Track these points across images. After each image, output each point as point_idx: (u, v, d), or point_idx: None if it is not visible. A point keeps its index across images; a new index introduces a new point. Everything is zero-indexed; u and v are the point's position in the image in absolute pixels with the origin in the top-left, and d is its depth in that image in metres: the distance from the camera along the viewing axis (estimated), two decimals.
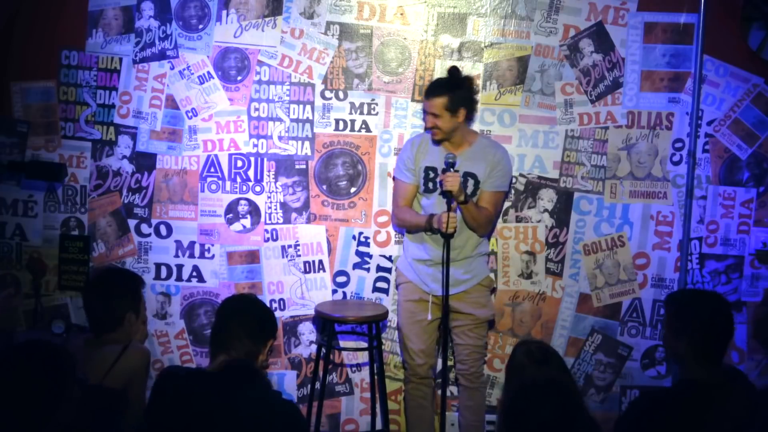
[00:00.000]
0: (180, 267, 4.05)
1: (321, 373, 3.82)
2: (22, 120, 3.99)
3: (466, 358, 3.73)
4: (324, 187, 4.05)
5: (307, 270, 4.06)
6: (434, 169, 3.68)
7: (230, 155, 4.03)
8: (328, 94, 4.02)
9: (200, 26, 3.98)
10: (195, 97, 4.01)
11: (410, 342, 3.76)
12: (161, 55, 4.00)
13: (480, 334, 3.74)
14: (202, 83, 4.00)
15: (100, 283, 3.12)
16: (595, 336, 4.08)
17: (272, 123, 4.02)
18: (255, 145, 4.03)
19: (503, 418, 2.05)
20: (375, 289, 4.07)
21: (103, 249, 4.04)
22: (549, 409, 1.97)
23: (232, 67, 4.00)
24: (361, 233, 4.05)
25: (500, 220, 4.03)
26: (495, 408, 3.89)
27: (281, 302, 4.06)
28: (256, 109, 4.02)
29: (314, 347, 4.03)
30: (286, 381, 4.07)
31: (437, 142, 3.68)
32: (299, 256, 4.05)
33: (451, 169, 3.45)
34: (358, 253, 4.06)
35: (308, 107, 4.02)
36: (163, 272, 4.05)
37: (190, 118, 4.01)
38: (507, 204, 4.03)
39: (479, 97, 3.96)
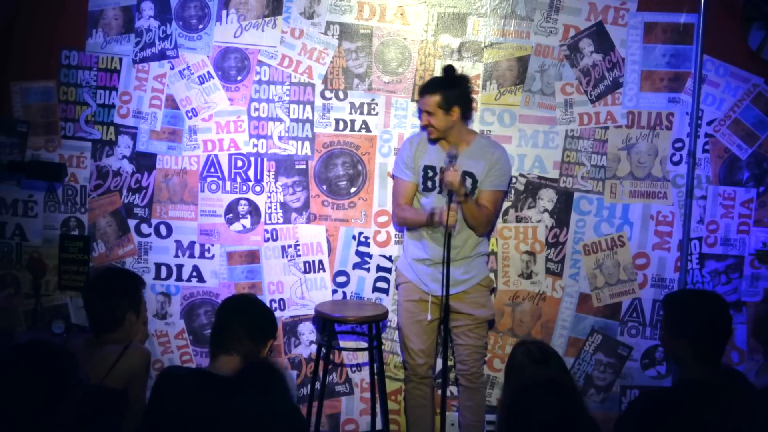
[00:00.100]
0: (180, 267, 4.05)
1: (321, 373, 3.82)
2: (22, 120, 3.99)
3: (466, 358, 3.73)
4: (324, 187, 4.05)
5: (307, 270, 4.06)
6: (433, 168, 3.69)
7: (230, 155, 4.03)
8: (328, 94, 4.02)
9: (200, 26, 3.99)
10: (195, 97, 4.01)
11: (410, 342, 3.76)
12: (161, 55, 4.00)
13: (480, 335, 3.74)
14: (202, 83, 4.00)
15: (101, 283, 3.12)
16: (595, 336, 4.08)
17: (272, 123, 4.02)
18: (255, 145, 4.03)
19: (503, 418, 2.05)
20: (375, 289, 4.07)
21: (103, 249, 4.04)
22: (549, 409, 1.98)
23: (232, 67, 4.01)
24: (361, 233, 4.06)
25: (500, 220, 4.03)
26: (495, 408, 3.89)
27: (281, 302, 4.06)
28: (256, 109, 4.02)
29: (314, 347, 4.03)
30: None
31: (434, 141, 3.69)
32: (299, 256, 4.05)
33: (454, 161, 3.45)
34: (358, 253, 4.06)
35: (308, 107, 4.02)
36: (163, 272, 4.05)
37: (190, 118, 4.02)
38: (507, 204, 4.03)
39: (479, 97, 3.97)
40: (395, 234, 4.04)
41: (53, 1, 3.98)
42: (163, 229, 4.05)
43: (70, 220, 4.03)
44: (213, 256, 4.05)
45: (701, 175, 4.04)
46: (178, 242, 4.05)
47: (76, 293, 3.95)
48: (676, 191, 4.03)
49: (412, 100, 3.99)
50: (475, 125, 3.98)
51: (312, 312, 3.96)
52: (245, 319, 2.77)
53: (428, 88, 3.65)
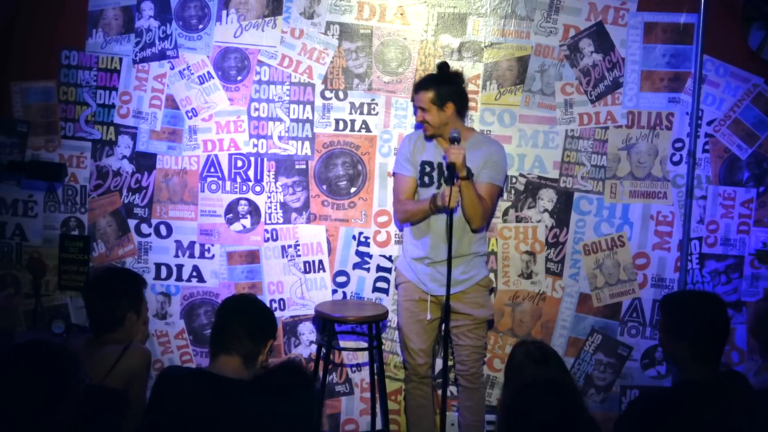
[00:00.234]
0: (180, 267, 4.05)
1: (321, 373, 3.81)
2: (22, 120, 3.99)
3: (465, 359, 3.73)
4: (324, 187, 4.05)
5: (307, 270, 4.06)
6: (430, 164, 3.70)
7: (230, 155, 4.03)
8: (328, 94, 4.02)
9: (200, 26, 3.99)
10: (195, 97, 4.01)
11: (410, 341, 3.76)
12: (161, 55, 4.00)
13: (479, 335, 3.74)
14: (202, 83, 4.00)
15: (102, 283, 3.13)
16: (595, 336, 4.08)
17: (272, 123, 4.02)
18: (255, 145, 4.03)
19: (503, 418, 2.06)
20: (375, 289, 4.07)
21: (103, 249, 4.04)
22: (549, 409, 1.98)
23: (232, 67, 4.01)
24: (361, 233, 4.06)
25: (500, 220, 4.03)
26: (495, 408, 3.89)
27: (281, 302, 4.06)
28: (256, 109, 4.02)
29: (314, 347, 4.03)
30: None
31: (430, 138, 3.70)
32: (299, 256, 4.05)
33: (456, 142, 3.46)
34: (358, 253, 4.06)
35: (308, 107, 4.02)
36: (163, 272, 4.05)
37: (190, 118, 4.02)
38: (507, 204, 4.03)
39: (479, 97, 3.97)
40: (395, 234, 4.04)
41: (53, 1, 3.98)
42: (163, 229, 4.05)
43: (70, 220, 4.03)
44: (213, 256, 4.05)
45: (701, 175, 4.04)
46: (178, 242, 4.05)
47: (76, 293, 3.95)
48: (676, 191, 4.03)
49: (412, 100, 3.98)
50: (475, 125, 3.98)
51: (312, 312, 3.96)
52: (245, 319, 2.77)
53: (422, 84, 3.68)
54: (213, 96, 4.01)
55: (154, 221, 4.04)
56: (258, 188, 4.04)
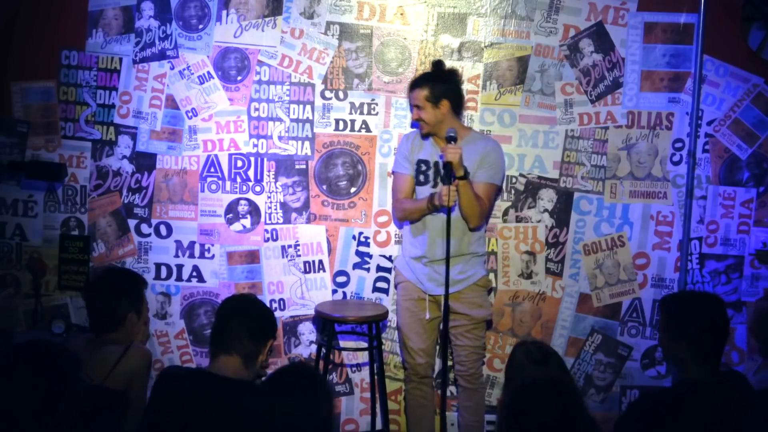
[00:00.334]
0: (180, 267, 4.05)
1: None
2: (22, 120, 3.99)
3: (464, 359, 3.73)
4: (324, 187, 4.05)
5: (307, 270, 4.06)
6: (426, 162, 3.71)
7: (230, 155, 4.03)
8: (328, 94, 4.02)
9: (200, 26, 3.99)
10: (195, 97, 4.01)
11: (410, 341, 3.76)
12: (161, 55, 4.00)
13: (478, 335, 3.73)
14: (202, 83, 4.00)
15: (102, 283, 3.13)
16: (595, 336, 4.08)
17: (272, 123, 4.02)
18: (255, 145, 4.03)
19: (503, 418, 2.06)
20: (375, 289, 4.07)
21: (103, 249, 4.04)
22: (549, 409, 1.98)
23: (232, 67, 4.01)
24: (361, 233, 4.06)
25: (500, 220, 4.03)
26: (495, 408, 3.89)
27: (281, 302, 4.06)
28: (256, 109, 4.02)
29: (314, 347, 4.03)
30: None
31: (426, 136, 3.70)
32: (299, 256, 4.05)
33: (453, 141, 3.46)
34: (358, 253, 4.06)
35: (308, 107, 4.02)
36: (163, 272, 4.05)
37: (190, 118, 4.02)
38: (507, 204, 4.03)
39: (479, 97, 3.97)
40: (395, 234, 4.04)
41: (53, 1, 3.98)
42: (163, 229, 4.05)
43: (70, 220, 4.03)
44: (213, 256, 4.05)
45: (701, 175, 4.04)
46: (178, 242, 4.05)
47: (76, 293, 3.95)
48: (676, 191, 4.03)
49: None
50: (475, 125, 3.98)
51: (312, 312, 3.96)
52: (245, 319, 2.77)
53: (417, 82, 3.68)
54: (213, 96, 4.01)
55: (154, 221, 4.04)
56: (258, 188, 4.04)
